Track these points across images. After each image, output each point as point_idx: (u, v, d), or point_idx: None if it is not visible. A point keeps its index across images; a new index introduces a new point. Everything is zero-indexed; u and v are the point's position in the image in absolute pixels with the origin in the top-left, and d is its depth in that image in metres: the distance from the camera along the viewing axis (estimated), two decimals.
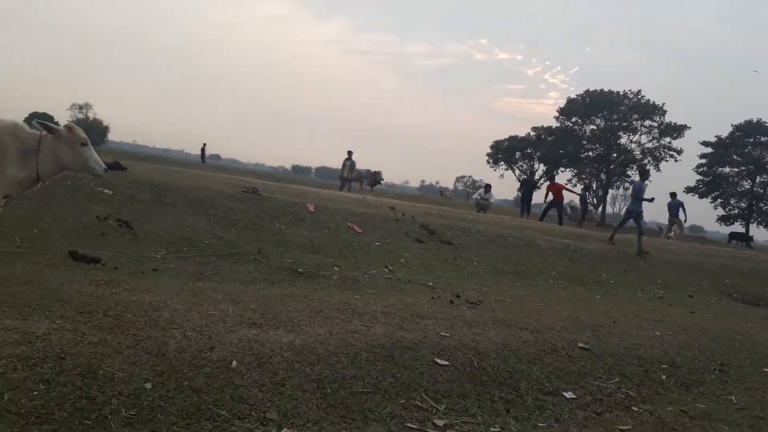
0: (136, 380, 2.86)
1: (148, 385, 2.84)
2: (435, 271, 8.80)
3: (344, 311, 4.87)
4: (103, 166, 4.56)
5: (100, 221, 7.32)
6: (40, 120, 4.53)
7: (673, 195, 22.22)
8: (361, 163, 24.68)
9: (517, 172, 62.19)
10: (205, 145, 42.91)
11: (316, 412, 2.98)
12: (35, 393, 2.57)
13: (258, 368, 3.29)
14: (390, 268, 8.46)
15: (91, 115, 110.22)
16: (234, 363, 3.27)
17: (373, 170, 26.28)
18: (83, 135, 4.49)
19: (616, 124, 53.72)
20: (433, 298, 6.49)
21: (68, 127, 4.49)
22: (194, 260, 6.84)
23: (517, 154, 61.80)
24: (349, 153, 23.51)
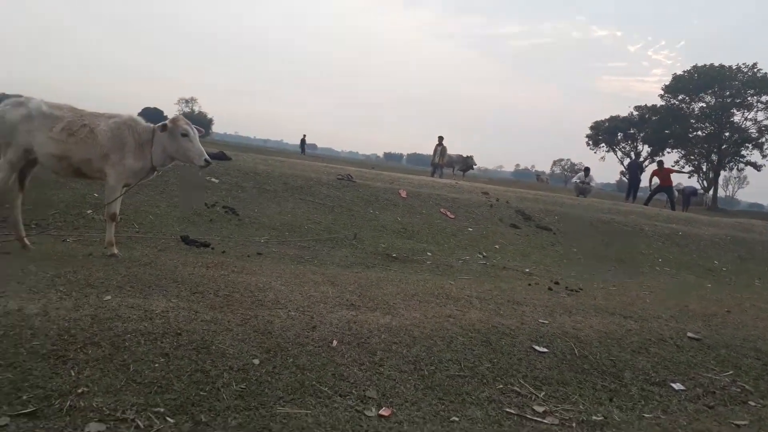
0: (245, 356, 3.03)
1: (256, 361, 3.00)
2: (532, 257, 8.62)
3: (439, 296, 4.89)
4: (204, 157, 4.78)
5: (209, 208, 7.77)
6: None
7: None
8: (453, 148, 24.49)
9: (620, 154, 59.24)
10: (305, 136, 44.01)
11: (414, 393, 3.03)
12: (156, 365, 2.79)
13: (357, 348, 3.38)
14: (484, 254, 8.38)
15: (196, 109, 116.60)
16: (335, 342, 3.38)
17: (465, 155, 25.95)
18: (184, 126, 4.77)
19: (729, 101, 49.63)
20: (530, 284, 6.37)
21: (172, 119, 4.84)
22: (295, 244, 7.11)
23: (619, 135, 58.74)
24: (440, 138, 23.39)
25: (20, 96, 4.81)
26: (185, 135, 4.75)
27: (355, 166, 26.02)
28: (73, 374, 2.57)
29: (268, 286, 4.34)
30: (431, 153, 23.82)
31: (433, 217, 10.11)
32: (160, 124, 4.80)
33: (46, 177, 6.49)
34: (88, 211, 6.71)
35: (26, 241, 4.89)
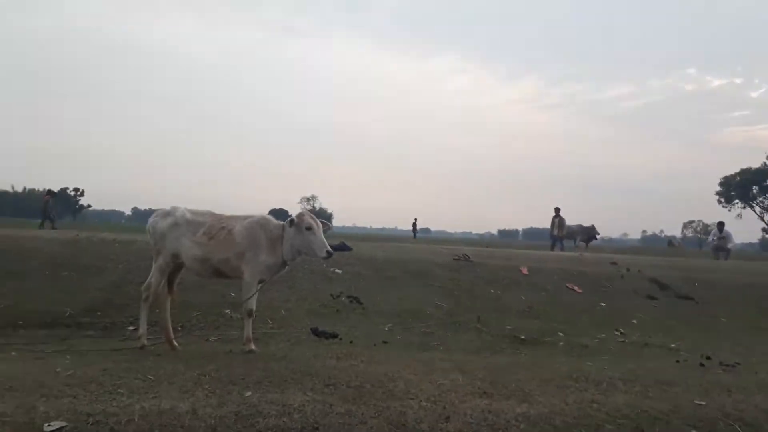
0: None
1: None
2: (676, 332, 7.94)
3: (578, 379, 4.59)
4: (326, 249, 4.99)
5: (334, 298, 8.01)
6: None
7: None
8: (572, 219, 23.61)
9: (758, 209, 54.29)
10: (416, 220, 44.94)
11: None
12: None
13: None
14: (621, 330, 7.85)
15: (317, 206, 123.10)
16: None
17: (585, 225, 24.93)
18: (308, 221, 5.07)
19: None
20: (678, 361, 5.83)
21: (298, 215, 5.16)
22: (419, 331, 7.08)
23: (754, 189, 54.12)
24: (557, 210, 22.77)
25: (167, 208, 5.39)
26: (309, 229, 5.02)
27: (471, 245, 25.86)
28: None
29: (398, 375, 4.31)
30: (548, 226, 23.20)
31: (559, 293, 9.70)
32: (288, 219, 5.14)
33: (189, 280, 7.06)
34: (227, 311, 7.15)
35: (175, 343, 5.28)
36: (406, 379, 4.21)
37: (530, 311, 8.56)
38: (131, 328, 6.46)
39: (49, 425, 2.89)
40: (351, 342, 6.18)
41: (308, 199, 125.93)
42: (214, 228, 5.15)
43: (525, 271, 10.90)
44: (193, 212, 5.29)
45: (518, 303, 8.91)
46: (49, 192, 28.18)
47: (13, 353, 4.80)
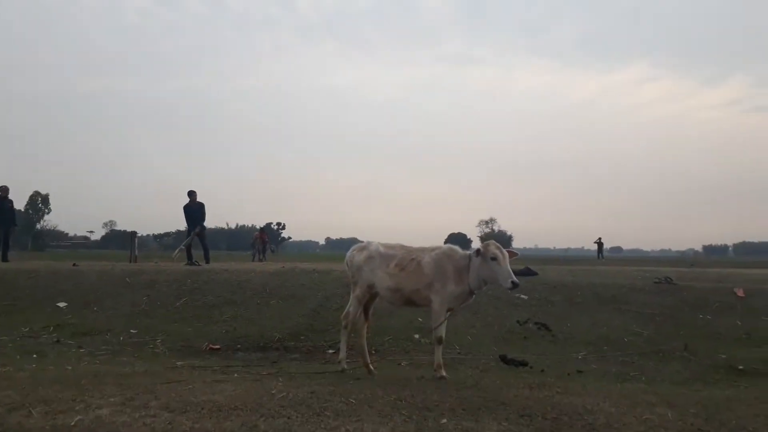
0: None
1: None
2: None
3: None
4: (510, 279, 4.91)
5: (521, 325, 7.85)
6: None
7: None
8: None
9: None
10: (600, 239, 42.37)
11: None
12: None
13: None
14: None
15: (496, 228, 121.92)
16: None
17: None
18: (493, 251, 5.04)
19: None
20: None
21: (485, 245, 5.16)
22: (616, 360, 6.64)
23: None
24: None
25: (363, 242, 5.81)
26: (494, 259, 5.01)
27: (671, 265, 23.62)
28: None
29: (597, 407, 4.09)
30: (767, 241, 20.32)
31: None
32: (474, 249, 5.22)
33: (381, 307, 7.42)
34: (416, 336, 7.38)
35: (371, 366, 5.58)
36: (607, 413, 3.97)
37: (749, 338, 7.58)
38: (331, 351, 6.96)
39: None
40: (542, 371, 6.00)
41: (486, 222, 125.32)
42: (404, 260, 5.38)
43: (741, 293, 9.70)
44: (385, 246, 5.62)
45: (734, 329, 7.94)
46: (261, 229, 31.77)
47: (235, 375, 5.43)
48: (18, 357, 6.28)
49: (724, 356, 6.82)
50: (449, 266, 5.25)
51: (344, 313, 5.73)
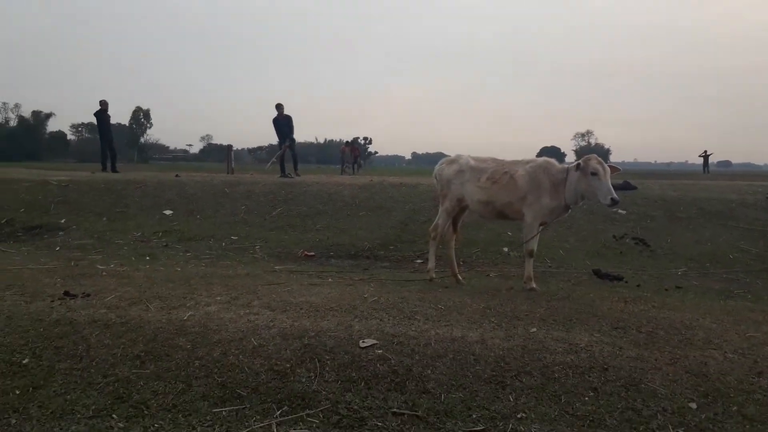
0: (679, 398, 2.81)
1: (693, 405, 2.75)
2: None
3: None
4: (611, 196, 4.75)
5: (617, 240, 7.59)
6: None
7: None
8: None
9: None
10: (706, 152, 39.44)
11: None
12: (587, 399, 2.82)
13: None
14: None
15: (592, 141, 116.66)
16: None
17: None
18: (595, 165, 4.84)
19: None
20: None
21: (585, 159, 4.98)
22: (719, 277, 6.34)
23: None
24: None
25: (450, 155, 5.70)
26: (595, 174, 4.82)
27: None
28: (511, 400, 2.81)
29: (696, 323, 3.95)
30: None
31: None
32: (574, 163, 5.01)
33: (469, 220, 7.39)
34: (504, 249, 7.34)
35: (459, 276, 5.65)
36: (707, 328, 3.83)
37: None
38: (419, 261, 7.09)
39: (363, 342, 3.38)
40: (638, 286, 5.83)
41: (582, 135, 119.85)
42: (497, 173, 5.26)
43: None
44: (476, 159, 5.50)
45: None
46: (347, 143, 31.94)
47: (330, 279, 5.68)
48: (133, 258, 6.86)
49: None
50: (545, 179, 5.11)
51: (433, 225, 5.76)
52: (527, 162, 5.30)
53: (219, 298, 4.36)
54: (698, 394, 2.86)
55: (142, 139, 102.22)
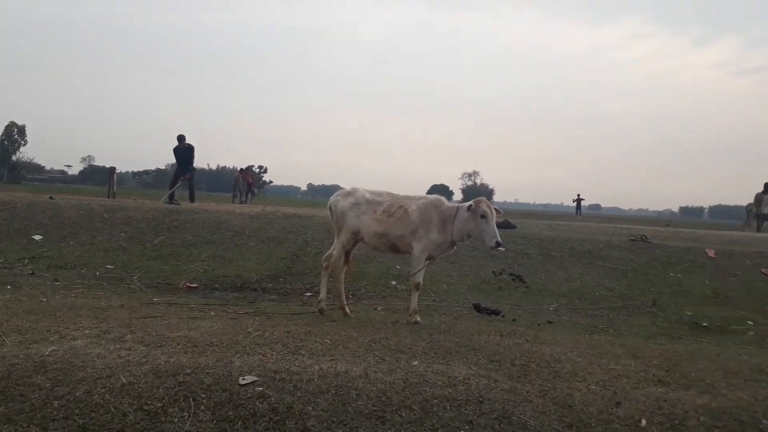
0: (546, 429, 2.98)
1: None
2: None
3: None
4: (495, 240, 5.06)
5: (496, 276, 7.97)
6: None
7: None
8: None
9: None
10: (579, 195, 42.81)
11: None
12: None
13: (670, 430, 3.05)
14: None
15: (478, 181, 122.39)
16: (643, 422, 3.10)
17: None
18: (484, 209, 5.12)
19: None
20: None
21: (476, 201, 5.23)
22: (587, 313, 6.81)
23: None
24: (767, 186, 20.29)
25: (346, 188, 5.84)
26: (483, 216, 5.10)
27: (647, 224, 24.00)
28: None
29: (564, 356, 4.21)
30: (741, 204, 20.72)
31: (751, 279, 8.71)
32: (466, 204, 5.25)
33: (360, 253, 7.46)
34: (393, 282, 7.47)
35: (347, 309, 5.66)
36: (574, 361, 4.10)
37: (715, 297, 7.81)
38: (309, 294, 7.03)
39: (243, 379, 3.28)
40: (514, 320, 6.14)
41: (470, 175, 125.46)
42: (392, 206, 5.43)
43: (712, 253, 9.93)
44: (372, 192, 5.64)
45: (701, 288, 8.17)
46: (241, 170, 31.23)
47: (212, 313, 5.48)
48: None
49: (690, 313, 7.03)
50: (435, 215, 5.32)
51: (326, 255, 5.77)
52: (419, 198, 5.52)
53: (87, 331, 4.07)
54: (564, 424, 3.05)
55: (14, 157, 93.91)
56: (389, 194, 5.63)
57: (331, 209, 5.75)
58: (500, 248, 5.17)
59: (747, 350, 5.24)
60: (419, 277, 5.37)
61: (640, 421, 3.11)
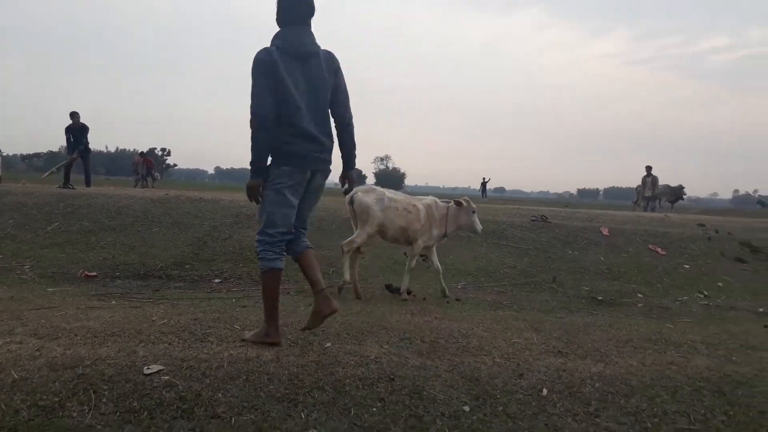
0: (455, 402, 3.08)
1: (467, 408, 3.03)
2: (766, 296, 7.54)
3: (657, 341, 4.50)
4: (481, 227, 6.51)
5: (407, 256, 8.10)
6: (456, 199, 6.55)
7: None
8: (659, 178, 22.48)
9: None
10: (484, 179, 44.49)
11: None
12: (374, 410, 2.96)
13: (569, 397, 3.24)
14: (705, 293, 7.55)
15: (390, 165, 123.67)
16: (545, 391, 3.28)
17: (672, 185, 23.67)
18: (473, 206, 6.42)
19: None
20: (766, 326, 5.56)
21: (466, 200, 6.43)
22: (492, 290, 7.09)
23: None
24: (648, 169, 21.84)
25: (367, 185, 6.61)
26: (474, 212, 6.40)
27: (548, 205, 25.25)
28: (303, 417, 2.84)
29: (471, 332, 4.37)
30: (632, 186, 22.27)
31: (641, 255, 9.39)
32: (455, 201, 6.45)
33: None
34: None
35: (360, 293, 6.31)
36: (480, 336, 4.26)
37: (609, 272, 8.36)
38: (217, 280, 6.85)
39: (148, 368, 3.15)
40: (424, 299, 6.29)
41: (381, 159, 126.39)
42: (408, 205, 6.30)
43: (606, 232, 10.60)
44: (390, 191, 6.47)
45: (597, 264, 8.71)
46: (141, 153, 29.78)
47: (113, 302, 5.22)
48: None
49: (587, 288, 7.49)
50: (436, 213, 6.37)
51: (348, 240, 6.21)
52: (421, 199, 6.55)
53: None
54: (471, 397, 3.16)
55: None
56: (403, 194, 6.60)
57: (352, 203, 6.23)
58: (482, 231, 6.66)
59: (636, 321, 5.66)
60: (413, 264, 6.53)
61: (542, 391, 3.29)
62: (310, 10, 3.67)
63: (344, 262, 6.21)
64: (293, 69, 3.55)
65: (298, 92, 3.55)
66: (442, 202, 6.52)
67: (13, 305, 4.64)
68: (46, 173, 14.50)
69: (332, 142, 3.77)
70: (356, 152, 3.89)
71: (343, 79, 3.80)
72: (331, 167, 3.84)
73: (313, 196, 3.84)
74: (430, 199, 6.54)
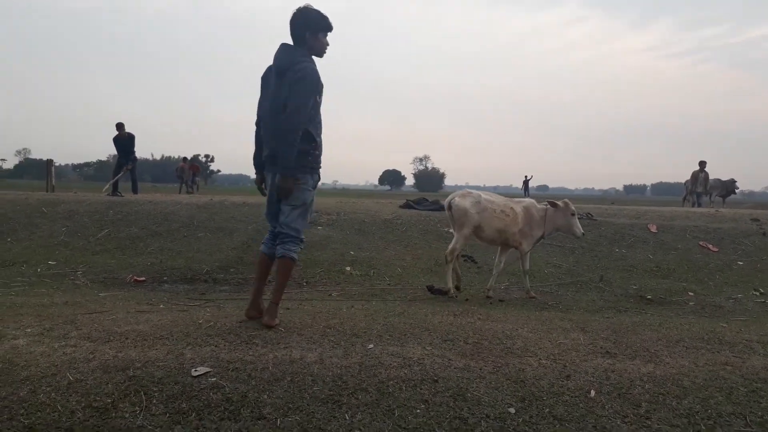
0: (500, 404, 3.04)
1: (512, 410, 2.99)
2: None
3: (709, 341, 4.34)
4: (582, 231, 6.52)
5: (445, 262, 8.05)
6: (550, 200, 6.68)
7: None
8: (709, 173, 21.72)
9: None
10: (526, 176, 43.85)
11: None
12: (418, 411, 2.95)
13: (618, 399, 3.16)
14: (761, 290, 7.26)
15: (429, 165, 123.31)
16: (592, 392, 3.20)
17: (723, 179, 22.81)
18: (572, 208, 6.46)
19: None
20: None
21: (564, 203, 6.50)
22: (537, 290, 6.97)
23: None
24: (702, 164, 21.08)
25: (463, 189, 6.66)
26: (574, 214, 6.45)
27: (593, 203, 24.73)
28: (347, 418, 2.85)
29: (516, 333, 4.31)
30: (682, 181, 21.56)
31: (691, 251, 9.10)
32: (552, 203, 6.52)
33: (311, 240, 7.39)
34: (347, 268, 7.45)
35: (454, 290, 6.36)
36: (525, 337, 4.20)
37: (658, 270, 8.13)
38: None
39: (195, 370, 3.22)
40: (467, 300, 6.24)
41: (421, 159, 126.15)
42: (506, 208, 6.33)
43: (654, 228, 10.31)
44: (486, 194, 6.51)
45: (645, 262, 8.48)
46: (185, 160, 30.50)
47: (161, 306, 5.35)
48: None
49: (635, 286, 7.29)
50: (535, 215, 6.44)
51: (449, 249, 6.30)
52: (519, 201, 6.60)
53: (30, 330, 3.90)
54: (516, 399, 3.11)
55: None
56: (499, 197, 6.57)
57: (451, 208, 6.32)
58: (583, 236, 6.67)
59: (687, 320, 5.48)
60: (528, 265, 6.61)
61: (590, 392, 3.21)
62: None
63: (446, 271, 6.32)
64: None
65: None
66: (540, 204, 6.61)
67: (67, 310, 4.80)
68: (106, 186, 15.03)
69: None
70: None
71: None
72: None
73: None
74: (528, 201, 6.63)
